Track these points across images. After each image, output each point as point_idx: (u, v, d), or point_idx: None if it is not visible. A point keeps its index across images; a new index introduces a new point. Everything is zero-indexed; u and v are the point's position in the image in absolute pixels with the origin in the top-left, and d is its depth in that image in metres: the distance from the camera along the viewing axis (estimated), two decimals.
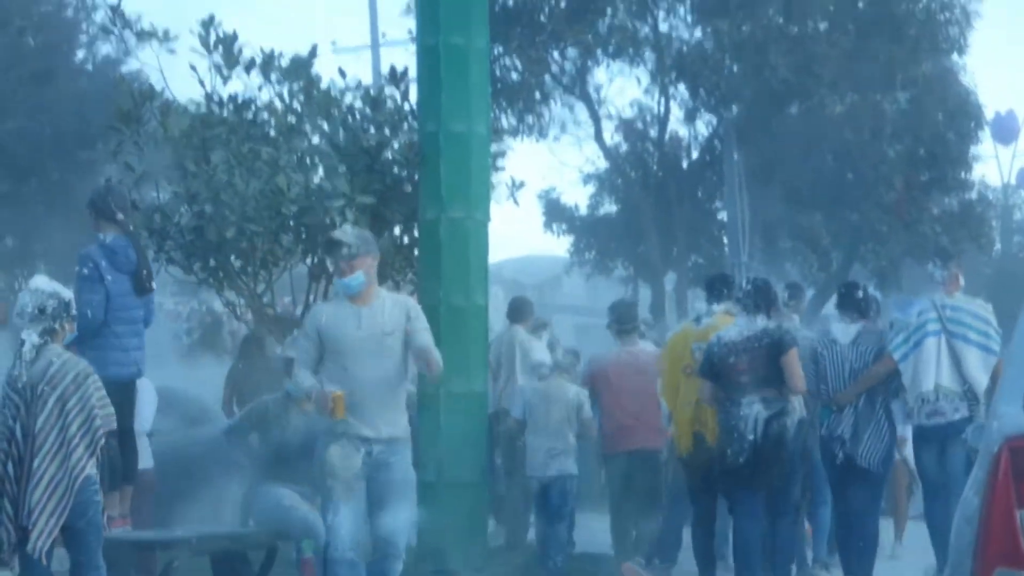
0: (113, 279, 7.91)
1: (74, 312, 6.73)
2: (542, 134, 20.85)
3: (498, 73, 19.56)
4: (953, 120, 21.94)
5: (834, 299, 9.96)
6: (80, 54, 20.51)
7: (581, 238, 23.41)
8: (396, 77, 10.49)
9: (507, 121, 19.96)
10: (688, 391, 8.94)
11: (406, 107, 10.40)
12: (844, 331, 8.93)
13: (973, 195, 23.61)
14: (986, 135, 24.08)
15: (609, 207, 23.22)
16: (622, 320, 10.21)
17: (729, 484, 8.60)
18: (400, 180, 10.18)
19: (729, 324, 8.66)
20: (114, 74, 18.69)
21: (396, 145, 10.17)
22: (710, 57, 18.66)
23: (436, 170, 9.82)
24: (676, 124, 22.39)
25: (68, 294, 6.75)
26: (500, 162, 11.26)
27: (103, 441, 6.52)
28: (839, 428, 8.72)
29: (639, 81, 20.79)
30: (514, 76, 19.87)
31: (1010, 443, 4.17)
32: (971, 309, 8.96)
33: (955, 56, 21.48)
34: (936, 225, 22.23)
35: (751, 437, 8.26)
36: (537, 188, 23.91)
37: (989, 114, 23.18)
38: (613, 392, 10.03)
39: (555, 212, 23.25)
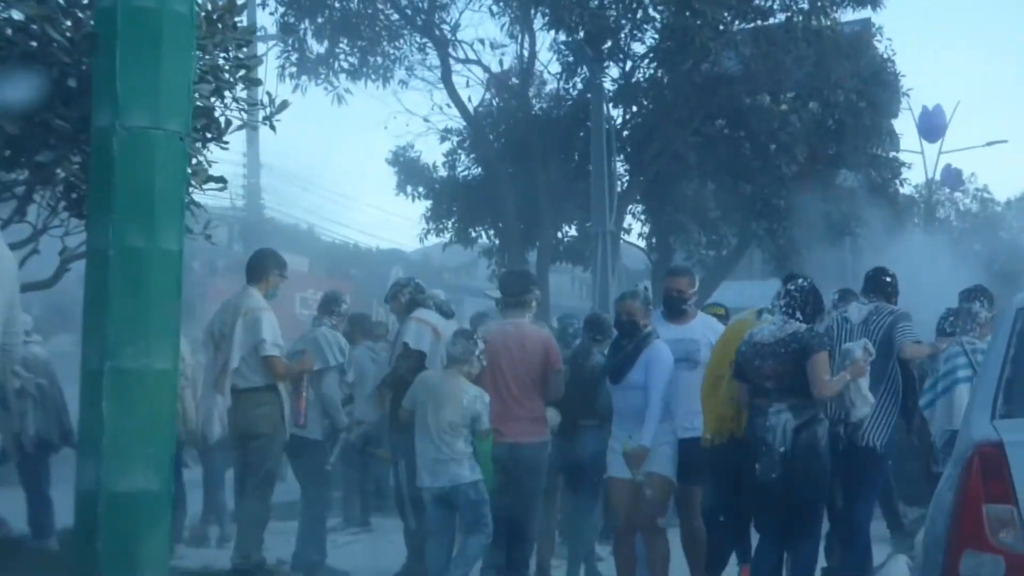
0: None
1: None
2: (386, 78, 17.93)
3: (337, 4, 16.84)
4: (867, 88, 19.62)
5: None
6: None
7: (440, 202, 20.41)
8: None
9: (347, 60, 17.20)
10: (730, 388, 8.16)
11: None
12: (859, 310, 8.57)
13: (888, 175, 21.39)
14: (903, 107, 22.12)
15: (473, 169, 20.17)
16: (508, 292, 8.91)
17: (757, 501, 7.86)
18: (67, 75, 7.63)
19: (765, 324, 7.96)
20: None
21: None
22: None
23: (111, 61, 7.05)
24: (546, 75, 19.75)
25: None
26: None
27: None
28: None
29: (491, 13, 17.91)
30: (353, 6, 17.02)
31: (980, 448, 4.96)
32: None
33: (870, 11, 19.05)
34: (841, 204, 19.78)
35: (781, 449, 7.58)
36: (391, 144, 20.97)
37: (907, 84, 21.12)
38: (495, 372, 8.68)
39: (411, 173, 20.13)
